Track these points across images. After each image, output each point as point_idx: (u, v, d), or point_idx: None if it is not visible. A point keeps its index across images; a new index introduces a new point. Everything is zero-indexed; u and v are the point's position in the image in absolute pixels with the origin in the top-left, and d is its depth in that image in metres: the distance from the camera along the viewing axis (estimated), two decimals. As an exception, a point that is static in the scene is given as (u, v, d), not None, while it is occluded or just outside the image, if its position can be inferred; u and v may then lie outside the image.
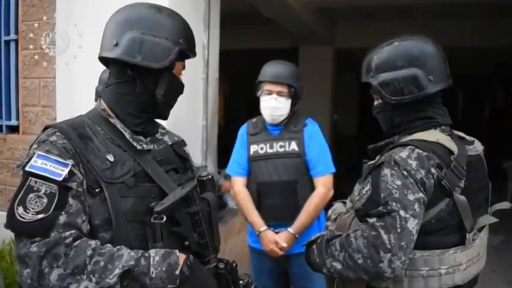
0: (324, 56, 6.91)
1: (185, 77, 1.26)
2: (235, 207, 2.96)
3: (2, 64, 3.11)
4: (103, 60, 1.20)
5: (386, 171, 1.22)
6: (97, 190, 1.04)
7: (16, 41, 3.07)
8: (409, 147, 1.25)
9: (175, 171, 1.22)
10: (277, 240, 2.15)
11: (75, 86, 2.71)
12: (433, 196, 1.22)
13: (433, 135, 1.29)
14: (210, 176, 1.23)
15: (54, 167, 0.98)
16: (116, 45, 1.11)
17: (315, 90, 6.22)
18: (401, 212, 1.17)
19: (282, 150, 2.25)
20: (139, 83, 1.13)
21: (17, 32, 3.05)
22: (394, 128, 1.39)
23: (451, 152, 1.25)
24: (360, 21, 6.49)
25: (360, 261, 1.20)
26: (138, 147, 1.14)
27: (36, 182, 0.96)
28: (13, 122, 3.13)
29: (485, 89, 10.63)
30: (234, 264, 1.22)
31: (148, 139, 1.19)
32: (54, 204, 0.95)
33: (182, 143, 1.32)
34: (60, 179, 0.97)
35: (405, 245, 1.16)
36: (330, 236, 1.35)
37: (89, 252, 0.95)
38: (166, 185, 1.14)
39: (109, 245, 1.00)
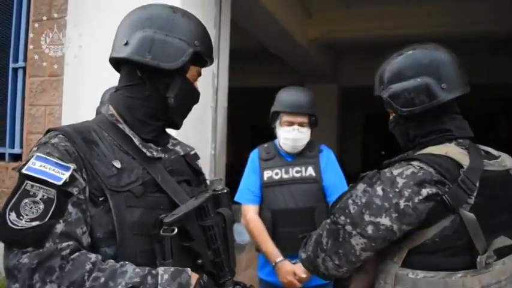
0: (328, 94, 6.94)
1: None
2: (241, 242, 2.81)
3: (9, 91, 3.06)
4: (114, 63, 1.12)
5: (361, 186, 1.19)
6: (100, 199, 0.92)
7: (24, 68, 3.03)
8: (409, 163, 1.16)
9: (187, 183, 1.11)
10: (295, 271, 2.00)
11: (81, 109, 2.64)
12: (432, 214, 1.12)
13: (444, 148, 1.20)
14: (225, 190, 1.11)
15: (53, 170, 0.87)
16: (126, 44, 1.04)
17: (321, 127, 6.11)
18: (348, 227, 1.16)
19: (298, 175, 2.14)
20: (149, 85, 1.04)
21: (25, 60, 3.03)
22: (410, 142, 1.31)
23: (460, 166, 1.15)
24: (364, 59, 6.54)
25: (309, 253, 1.26)
26: (148, 154, 1.03)
27: (32, 186, 0.85)
28: (16, 150, 3.04)
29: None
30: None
31: (159, 148, 1.08)
32: (51, 212, 0.84)
33: (195, 156, 1.21)
34: (60, 183, 0.86)
35: (342, 254, 1.17)
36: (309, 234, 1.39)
37: (87, 267, 0.83)
38: (178, 196, 1.02)
39: (111, 260, 0.88)
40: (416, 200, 1.11)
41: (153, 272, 0.88)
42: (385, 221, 1.12)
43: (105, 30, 2.54)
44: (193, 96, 1.14)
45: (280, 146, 2.21)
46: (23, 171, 0.87)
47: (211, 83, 2.85)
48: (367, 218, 1.14)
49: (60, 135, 0.94)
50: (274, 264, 2.05)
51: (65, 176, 0.87)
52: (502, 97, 8.33)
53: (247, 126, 10.17)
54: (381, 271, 1.19)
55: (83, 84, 2.66)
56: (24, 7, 3.03)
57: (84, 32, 2.63)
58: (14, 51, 3.06)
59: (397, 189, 1.13)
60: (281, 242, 2.09)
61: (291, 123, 2.13)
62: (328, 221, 1.24)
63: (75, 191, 0.88)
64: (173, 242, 0.92)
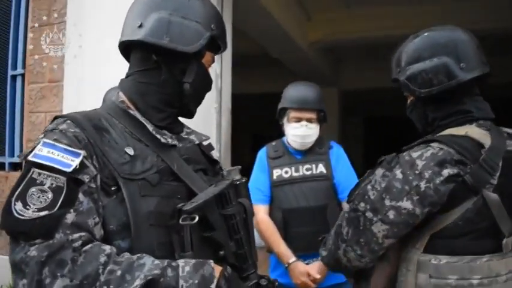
0: (329, 97, 6.86)
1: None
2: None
3: (7, 99, 3.00)
4: (123, 48, 1.06)
5: (380, 171, 1.15)
6: (113, 188, 0.85)
7: (23, 75, 2.98)
8: (428, 145, 1.12)
9: (204, 172, 1.04)
10: (309, 271, 1.93)
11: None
12: (454, 196, 1.08)
13: (465, 129, 1.16)
14: (244, 180, 1.04)
15: (62, 156, 0.80)
16: (140, 26, 0.98)
17: (321, 131, 6.10)
18: (368, 214, 1.12)
19: (308, 173, 2.08)
20: (165, 69, 0.98)
21: (24, 66, 2.97)
22: (428, 125, 1.26)
23: (481, 146, 1.11)
24: (364, 62, 6.53)
25: (329, 246, 1.23)
26: (163, 140, 0.97)
27: (40, 174, 0.79)
28: (16, 159, 2.97)
29: None
30: (277, 283, 1.01)
31: (173, 136, 1.02)
32: (61, 201, 0.77)
33: (210, 146, 1.15)
34: (69, 170, 0.79)
35: (363, 242, 1.13)
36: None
37: (102, 259, 0.76)
38: (196, 184, 0.96)
39: (127, 253, 0.81)
40: (437, 181, 1.07)
41: (173, 264, 0.81)
42: (406, 204, 1.08)
43: (105, 30, 2.51)
44: (208, 83, 1.09)
45: (288, 143, 2.15)
46: (30, 158, 0.81)
47: (215, 84, 2.78)
48: (387, 202, 1.10)
49: (69, 121, 0.88)
50: (287, 265, 1.98)
51: (75, 162, 0.80)
52: (502, 97, 8.31)
53: (249, 134, 10.07)
54: (402, 258, 1.14)
55: (83, 86, 2.61)
56: (22, 14, 2.99)
57: (84, 32, 2.58)
58: (12, 58, 3.01)
59: (417, 172, 1.08)
60: (293, 243, 2.01)
61: (299, 120, 2.07)
62: (347, 209, 1.19)
63: (86, 178, 0.82)
64: (193, 232, 0.85)
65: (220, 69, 2.83)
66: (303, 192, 2.05)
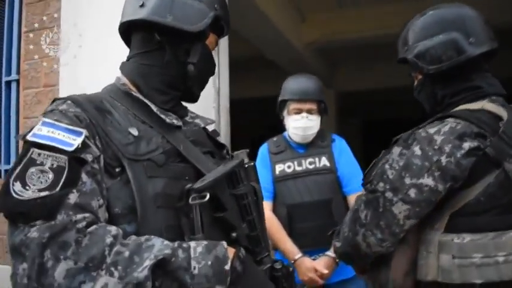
0: (326, 99, 6.86)
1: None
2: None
3: (2, 105, 2.96)
4: (123, 31, 1.02)
5: (396, 149, 1.12)
6: (117, 170, 0.81)
7: (17, 81, 2.94)
8: (445, 121, 1.09)
9: (211, 155, 1.00)
10: (316, 267, 1.88)
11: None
12: (475, 170, 1.04)
13: (479, 104, 1.13)
14: (252, 163, 1.00)
15: (63, 135, 0.76)
16: (142, 6, 0.94)
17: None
18: (388, 194, 1.08)
19: (312, 167, 2.04)
20: (169, 50, 0.95)
21: (18, 72, 2.93)
22: (437, 104, 1.23)
23: (499, 118, 1.09)
24: (360, 64, 6.53)
25: (345, 234, 1.18)
26: (168, 120, 0.93)
27: (40, 154, 0.74)
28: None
29: None
30: (291, 269, 0.96)
31: (178, 118, 0.99)
32: (62, 180, 0.73)
33: (215, 132, 1.11)
34: (72, 149, 0.75)
35: (384, 225, 1.08)
36: None
37: (108, 240, 0.71)
38: (204, 165, 0.91)
39: (134, 235, 0.76)
40: (458, 155, 1.03)
41: (184, 245, 0.76)
42: (428, 181, 1.04)
43: (104, 29, 2.48)
44: (212, 66, 1.06)
45: (290, 137, 2.11)
46: (28, 138, 0.76)
47: (212, 83, 2.75)
48: (407, 181, 1.05)
49: (69, 102, 0.84)
50: (293, 261, 1.93)
51: (77, 141, 0.76)
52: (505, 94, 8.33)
53: (247, 139, 10.02)
54: (421, 241, 1.10)
55: (83, 86, 2.58)
56: (15, 19, 2.96)
57: (84, 32, 2.55)
58: (6, 64, 2.97)
59: (436, 147, 1.05)
60: (299, 239, 1.97)
61: (299, 111, 2.04)
62: (364, 192, 1.14)
63: (89, 157, 0.77)
64: (203, 213, 0.81)
65: (217, 68, 2.80)
66: (307, 187, 2.01)
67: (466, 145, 1.04)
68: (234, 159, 1.02)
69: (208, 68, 1.04)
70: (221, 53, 2.87)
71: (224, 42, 2.93)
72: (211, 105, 2.79)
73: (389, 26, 4.53)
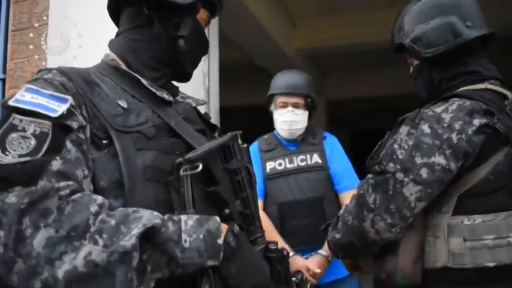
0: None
1: None
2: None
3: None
4: (112, 9, 0.99)
5: (404, 129, 1.08)
6: (104, 142, 0.76)
7: (3, 80, 2.88)
8: (450, 101, 1.07)
9: (202, 133, 0.96)
10: (308, 266, 1.83)
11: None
12: (483, 148, 1.02)
13: (482, 85, 1.12)
14: (245, 145, 0.95)
15: (48, 101, 0.72)
16: None
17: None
18: (399, 175, 1.03)
19: (303, 164, 2.00)
20: (158, 24, 0.92)
21: (5, 71, 2.88)
22: (435, 89, 1.21)
23: (504, 97, 1.09)
24: (351, 72, 6.56)
25: (349, 223, 1.11)
26: (158, 94, 0.89)
27: (21, 120, 0.69)
28: None
29: None
30: (285, 252, 0.92)
31: (169, 94, 0.95)
32: (45, 147, 0.68)
33: (207, 115, 1.08)
34: (56, 115, 0.70)
35: (394, 209, 1.03)
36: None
37: (93, 209, 0.66)
38: (195, 140, 0.87)
39: (121, 207, 0.71)
40: (469, 132, 1.00)
41: (175, 218, 0.71)
42: (439, 159, 1.00)
43: (105, 29, 2.45)
44: (204, 44, 1.03)
45: (279, 134, 2.09)
46: (10, 103, 0.71)
47: (202, 82, 2.72)
48: (418, 160, 1.01)
49: (55, 71, 0.80)
50: (284, 261, 1.88)
51: (62, 108, 0.71)
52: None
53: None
54: (427, 226, 1.06)
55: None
56: (2, 18, 2.91)
57: (84, 31, 2.52)
58: (-8, 63, 2.91)
59: (445, 125, 1.02)
60: (290, 237, 1.92)
61: (284, 105, 2.01)
62: (370, 175, 1.09)
63: (74, 125, 0.72)
64: (194, 187, 0.76)
65: (207, 68, 2.77)
66: (298, 184, 1.97)
67: (476, 122, 1.01)
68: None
69: (200, 45, 1.00)
70: (211, 53, 2.85)
71: (214, 47, 2.92)
72: (201, 107, 2.77)
73: (380, 33, 4.53)
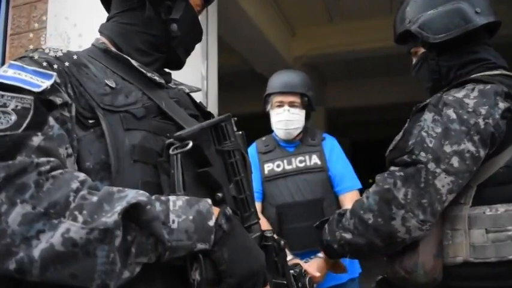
0: (315, 117, 6.85)
1: None
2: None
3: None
4: None
5: (428, 115, 1.01)
6: (91, 121, 0.72)
7: (1, 84, 2.87)
8: (468, 85, 1.03)
9: (195, 118, 0.92)
10: (308, 270, 1.77)
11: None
12: (507, 133, 0.98)
13: (495, 71, 1.09)
14: (240, 132, 0.91)
15: (31, 77, 0.68)
16: None
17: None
18: (431, 165, 0.96)
19: (302, 165, 1.97)
20: (149, 6, 0.89)
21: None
22: (443, 78, 1.17)
23: None
24: (350, 80, 6.57)
25: (370, 221, 1.01)
26: (149, 74, 0.86)
27: (2, 95, 0.65)
28: None
29: None
30: (282, 242, 0.88)
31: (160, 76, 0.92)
32: (26, 123, 0.64)
33: (202, 104, 1.05)
34: (39, 90, 0.67)
35: (426, 204, 0.95)
36: (343, 211, 1.13)
37: (74, 185, 0.61)
38: (187, 123, 0.83)
39: (106, 186, 0.67)
40: (496, 116, 0.96)
41: (163, 198, 0.67)
42: (468, 146, 0.95)
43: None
44: (197, 29, 0.99)
45: (277, 135, 2.06)
46: None
47: (201, 85, 2.71)
48: (448, 148, 0.96)
49: (41, 50, 0.77)
50: (283, 264, 1.84)
51: (46, 84, 0.68)
52: None
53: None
54: (445, 218, 1.01)
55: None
56: (1, 22, 2.91)
57: (84, 31, 2.51)
58: (-11, 66, 2.91)
59: (470, 109, 0.97)
60: (289, 240, 1.85)
61: (281, 104, 1.98)
62: (396, 168, 1.00)
63: (58, 101, 0.69)
64: (185, 168, 0.72)
65: (205, 70, 2.76)
66: (297, 186, 1.94)
67: (501, 105, 0.97)
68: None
69: (193, 30, 0.98)
70: (210, 58, 2.85)
71: (213, 50, 2.91)
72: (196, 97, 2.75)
73: (379, 41, 4.57)
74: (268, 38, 4.33)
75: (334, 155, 2.01)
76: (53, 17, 2.68)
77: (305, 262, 1.82)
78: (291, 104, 1.98)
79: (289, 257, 1.82)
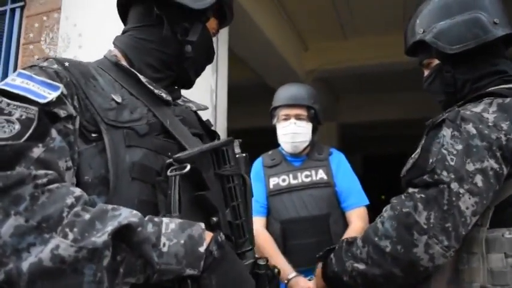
0: (327, 132, 6.80)
1: None
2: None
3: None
4: (121, 5, 0.97)
5: (447, 131, 0.95)
6: (94, 135, 0.74)
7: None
8: (485, 100, 0.98)
9: (199, 138, 0.92)
10: (311, 287, 1.73)
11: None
12: None
13: (509, 86, 1.03)
14: (244, 154, 0.92)
15: (38, 87, 0.69)
16: None
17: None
18: (454, 185, 0.89)
19: (308, 180, 1.93)
20: (167, 25, 0.89)
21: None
22: (458, 91, 1.11)
23: None
24: (361, 96, 6.52)
25: (388, 249, 0.93)
26: (156, 91, 0.86)
27: (9, 104, 0.67)
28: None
29: None
30: (276, 270, 0.88)
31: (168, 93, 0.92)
32: (29, 133, 0.65)
33: (209, 122, 1.04)
34: (44, 101, 0.68)
35: (451, 228, 0.88)
36: (351, 239, 1.05)
37: (69, 201, 0.61)
38: (190, 143, 0.83)
39: (101, 204, 0.67)
40: None
41: (156, 219, 0.67)
42: (492, 163, 0.89)
43: (104, 29, 2.46)
44: (210, 52, 1.00)
45: (284, 149, 2.02)
46: (0, 86, 0.69)
47: (210, 99, 2.70)
48: (471, 167, 0.89)
49: (51, 59, 0.78)
50: (286, 281, 1.79)
51: (52, 95, 0.69)
52: None
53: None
54: (461, 242, 0.93)
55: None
56: (15, 32, 2.96)
57: (84, 31, 2.53)
58: (3, 73, 2.95)
59: (490, 124, 0.92)
60: (293, 256, 1.83)
61: (287, 117, 1.96)
62: (415, 190, 0.94)
63: (62, 113, 0.70)
64: (182, 190, 0.72)
65: (215, 84, 2.75)
66: (303, 201, 1.89)
67: None
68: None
69: (206, 52, 0.99)
70: (220, 70, 2.85)
71: (223, 63, 2.91)
72: (204, 115, 2.73)
73: (392, 56, 4.53)
74: (280, 52, 4.33)
75: (341, 170, 1.97)
76: (64, 28, 2.71)
77: (309, 280, 1.78)
78: (297, 117, 1.96)
79: (293, 273, 1.78)
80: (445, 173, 0.91)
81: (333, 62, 5.00)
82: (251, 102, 5.81)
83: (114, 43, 0.95)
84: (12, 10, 2.95)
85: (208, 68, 2.75)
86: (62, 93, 0.71)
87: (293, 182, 1.93)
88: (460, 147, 0.92)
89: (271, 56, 4.33)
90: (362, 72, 5.26)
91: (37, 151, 0.64)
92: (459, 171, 0.90)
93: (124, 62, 0.89)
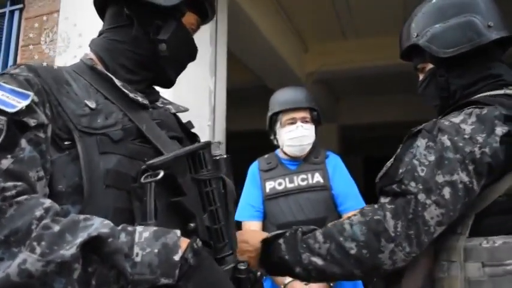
0: (327, 134, 6.78)
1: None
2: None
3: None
4: (99, 7, 0.96)
5: (421, 142, 0.95)
6: (66, 143, 0.72)
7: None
8: (466, 110, 0.97)
9: (178, 141, 0.91)
10: (307, 292, 1.72)
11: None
12: (506, 159, 0.91)
13: (500, 91, 1.02)
14: (225, 156, 0.90)
15: (7, 97, 0.68)
16: None
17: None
18: (421, 196, 0.90)
19: (304, 183, 1.92)
20: (137, 25, 0.88)
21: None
22: (451, 97, 1.10)
23: None
24: (363, 97, 6.50)
25: (352, 251, 0.94)
26: (131, 95, 0.84)
27: None
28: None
29: None
30: (259, 274, 0.85)
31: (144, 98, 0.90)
32: None
33: (190, 124, 1.02)
34: (13, 110, 0.67)
35: (414, 235, 0.90)
36: (307, 229, 1.04)
37: (38, 213, 0.61)
38: (167, 148, 0.82)
39: (73, 214, 0.66)
40: (494, 144, 0.90)
41: (129, 228, 0.66)
42: (462, 177, 0.89)
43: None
44: (190, 49, 0.97)
45: (284, 153, 2.02)
46: None
47: (208, 100, 2.69)
48: (440, 179, 0.90)
49: (22, 66, 0.77)
50: (283, 286, 1.78)
51: (21, 104, 0.68)
52: None
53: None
54: (441, 249, 0.94)
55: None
56: (14, 34, 2.96)
57: (84, 31, 2.53)
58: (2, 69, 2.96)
59: (466, 136, 0.91)
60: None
61: (293, 121, 1.95)
62: (387, 199, 0.95)
63: (32, 123, 0.68)
64: (158, 196, 0.71)
65: (213, 85, 2.74)
66: (299, 205, 1.89)
67: (499, 130, 0.91)
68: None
69: (185, 49, 0.96)
70: (218, 72, 2.83)
71: (222, 65, 2.90)
72: (206, 124, 2.72)
73: (393, 58, 4.50)
74: (280, 54, 4.32)
75: (337, 173, 1.96)
76: (64, 28, 2.71)
77: (306, 284, 1.77)
78: (303, 120, 1.96)
79: (289, 278, 1.77)
80: (413, 184, 0.92)
81: (333, 64, 4.99)
82: (250, 104, 5.80)
83: (89, 46, 0.93)
84: (11, 12, 2.95)
85: (207, 70, 2.76)
86: (32, 101, 0.70)
87: (289, 185, 1.93)
88: (432, 158, 0.92)
89: (271, 57, 4.32)
90: (362, 73, 5.24)
91: (5, 162, 0.63)
92: (428, 182, 0.91)
93: (100, 66, 0.88)
